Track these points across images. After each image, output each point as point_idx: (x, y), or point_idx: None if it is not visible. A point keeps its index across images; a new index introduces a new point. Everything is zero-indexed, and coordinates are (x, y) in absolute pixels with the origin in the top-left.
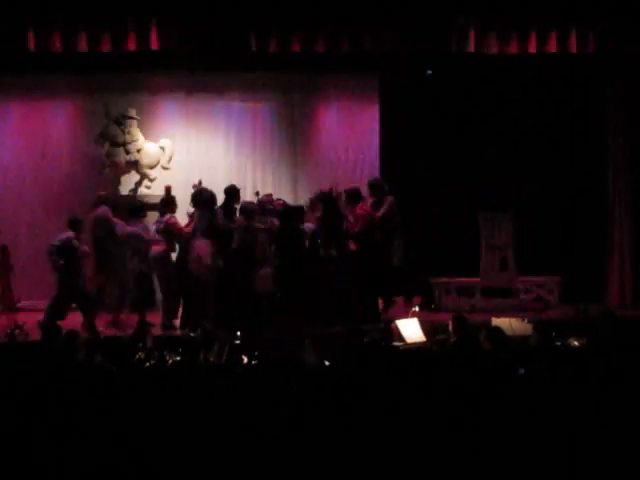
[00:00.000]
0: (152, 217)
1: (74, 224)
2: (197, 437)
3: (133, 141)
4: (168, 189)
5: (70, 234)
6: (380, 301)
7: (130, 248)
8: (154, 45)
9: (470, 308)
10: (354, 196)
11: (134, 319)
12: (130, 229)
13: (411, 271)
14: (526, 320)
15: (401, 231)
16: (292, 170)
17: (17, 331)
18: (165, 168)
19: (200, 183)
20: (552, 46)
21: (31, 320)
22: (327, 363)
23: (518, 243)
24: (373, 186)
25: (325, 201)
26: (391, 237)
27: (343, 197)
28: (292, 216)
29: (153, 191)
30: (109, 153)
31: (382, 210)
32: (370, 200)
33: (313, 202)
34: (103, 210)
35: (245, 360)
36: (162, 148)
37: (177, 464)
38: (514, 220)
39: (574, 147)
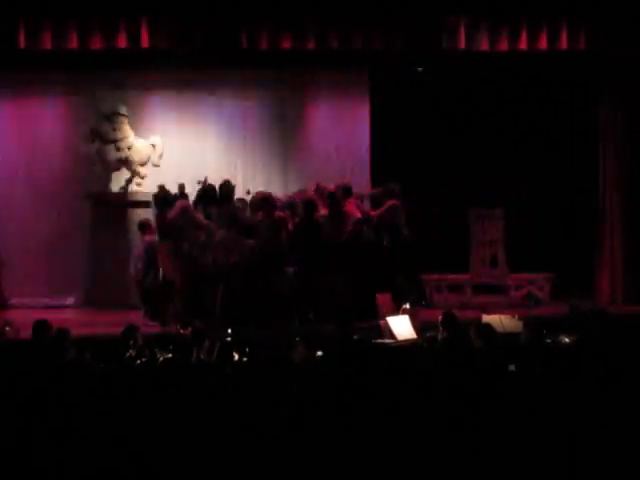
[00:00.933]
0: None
1: (146, 227)
2: (188, 435)
3: (124, 138)
4: (182, 187)
5: (149, 239)
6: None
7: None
8: (145, 42)
9: (461, 305)
10: (347, 191)
11: None
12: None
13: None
14: (517, 317)
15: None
16: (282, 167)
17: (7, 328)
18: (156, 165)
19: (206, 180)
20: (544, 43)
21: (22, 317)
22: (316, 360)
23: (509, 240)
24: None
25: (331, 200)
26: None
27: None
28: (313, 210)
29: (144, 188)
30: (99, 150)
31: (379, 210)
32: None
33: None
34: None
35: (236, 357)
36: (153, 145)
37: (169, 462)
38: (505, 217)
39: (566, 145)
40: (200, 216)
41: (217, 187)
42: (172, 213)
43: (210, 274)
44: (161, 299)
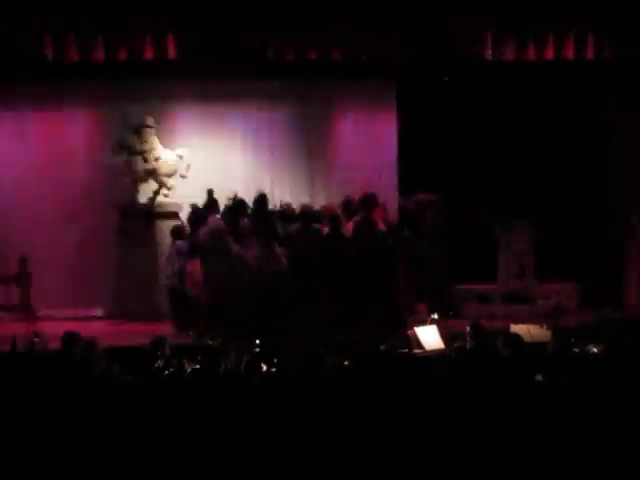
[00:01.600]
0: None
1: (179, 233)
2: (214, 444)
3: (151, 150)
4: (210, 192)
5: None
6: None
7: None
8: (171, 53)
9: (489, 315)
10: (372, 201)
11: None
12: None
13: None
14: (545, 326)
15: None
16: (309, 177)
17: (36, 340)
18: (183, 176)
19: (236, 196)
20: (570, 52)
21: (50, 329)
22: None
23: (536, 250)
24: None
25: (364, 205)
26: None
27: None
28: (339, 223)
29: (171, 200)
30: (127, 162)
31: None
32: None
33: (349, 205)
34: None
35: (264, 368)
36: (180, 157)
37: (193, 473)
38: (532, 226)
39: (593, 154)
40: (230, 240)
41: (250, 200)
42: (203, 234)
43: (238, 290)
44: (189, 313)
